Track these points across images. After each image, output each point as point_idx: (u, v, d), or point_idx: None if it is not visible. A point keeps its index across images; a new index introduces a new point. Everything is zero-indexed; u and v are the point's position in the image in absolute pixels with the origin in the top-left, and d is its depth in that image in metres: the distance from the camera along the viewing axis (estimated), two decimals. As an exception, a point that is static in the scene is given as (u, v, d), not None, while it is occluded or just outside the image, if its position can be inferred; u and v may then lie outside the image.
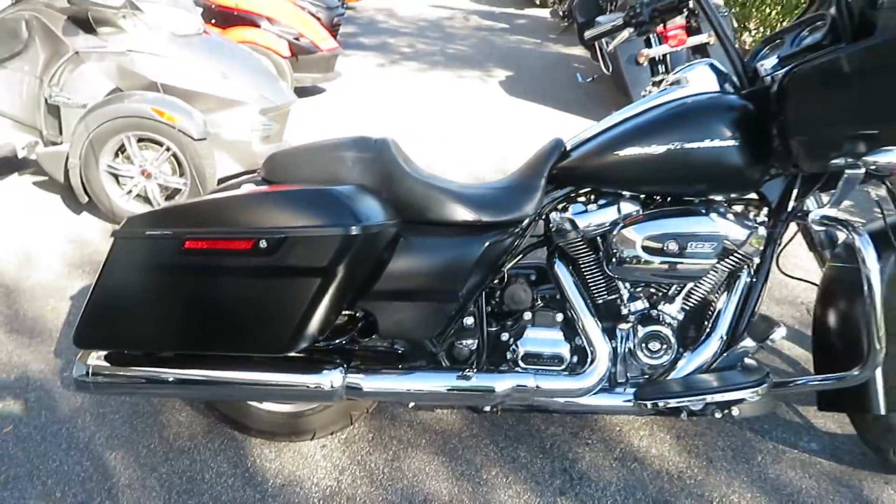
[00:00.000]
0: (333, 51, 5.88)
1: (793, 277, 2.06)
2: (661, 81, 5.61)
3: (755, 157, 1.71)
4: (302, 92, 5.88)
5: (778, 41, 1.90)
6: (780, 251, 1.92)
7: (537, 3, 12.90)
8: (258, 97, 3.83)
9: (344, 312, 1.86)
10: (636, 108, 1.84)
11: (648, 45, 5.27)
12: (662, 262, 1.74)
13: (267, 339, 1.66)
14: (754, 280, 1.84)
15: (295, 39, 5.54)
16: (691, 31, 5.46)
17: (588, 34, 2.17)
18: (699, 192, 1.80)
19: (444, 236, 1.80)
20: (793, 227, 1.94)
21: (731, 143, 1.68)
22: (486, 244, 1.78)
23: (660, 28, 5.48)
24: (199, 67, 3.67)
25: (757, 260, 1.82)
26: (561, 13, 10.71)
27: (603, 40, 5.69)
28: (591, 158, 1.81)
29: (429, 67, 7.46)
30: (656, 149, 1.72)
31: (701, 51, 5.68)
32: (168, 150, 3.37)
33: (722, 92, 1.80)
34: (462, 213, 1.78)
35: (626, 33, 2.14)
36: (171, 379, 1.78)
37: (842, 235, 1.96)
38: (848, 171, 1.65)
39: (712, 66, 1.87)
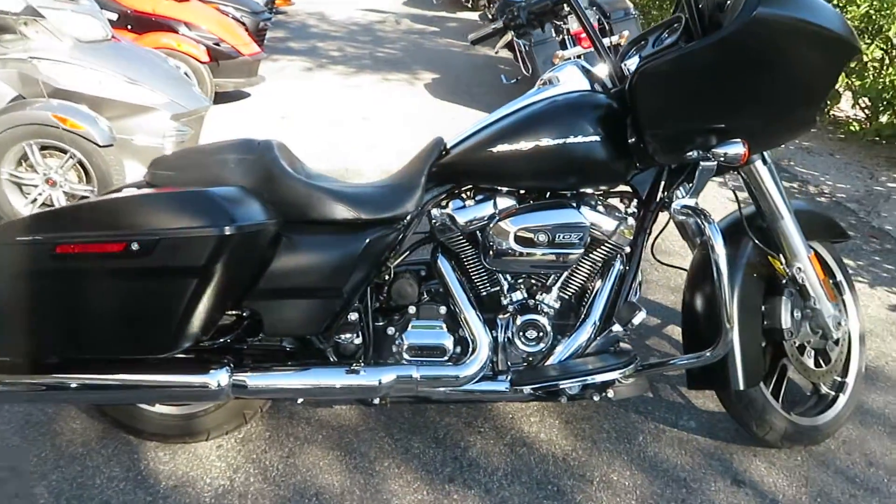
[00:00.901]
0: (255, 55, 5.86)
1: (664, 264, 2.18)
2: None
3: (619, 152, 1.81)
4: (225, 97, 5.85)
5: (642, 42, 2.01)
6: (654, 240, 2.04)
7: (468, 6, 13.06)
8: (169, 102, 3.80)
9: (231, 312, 1.89)
10: (511, 107, 1.93)
11: (564, 46, 5.47)
12: (534, 253, 1.83)
13: (148, 341, 1.68)
14: (626, 268, 1.94)
15: (215, 45, 5.50)
16: (602, 33, 5.67)
17: (471, 37, 2.25)
18: (569, 186, 1.89)
19: (325, 234, 1.84)
20: (666, 217, 2.06)
21: (595, 138, 1.78)
22: (368, 241, 1.84)
23: (575, 29, 5.62)
24: (106, 73, 3.63)
25: (628, 249, 1.93)
26: (490, 16, 10.88)
27: (520, 42, 5.83)
28: (468, 156, 1.89)
29: (356, 71, 7.49)
30: (525, 145, 1.81)
31: (613, 51, 5.87)
32: (73, 157, 3.33)
33: (590, 91, 1.90)
34: (342, 212, 1.83)
35: (508, 35, 2.22)
36: (56, 385, 1.77)
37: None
38: (702, 164, 1.77)
39: (581, 67, 1.97)
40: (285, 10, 11.16)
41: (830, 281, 2.08)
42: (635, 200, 1.96)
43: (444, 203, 1.95)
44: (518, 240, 1.82)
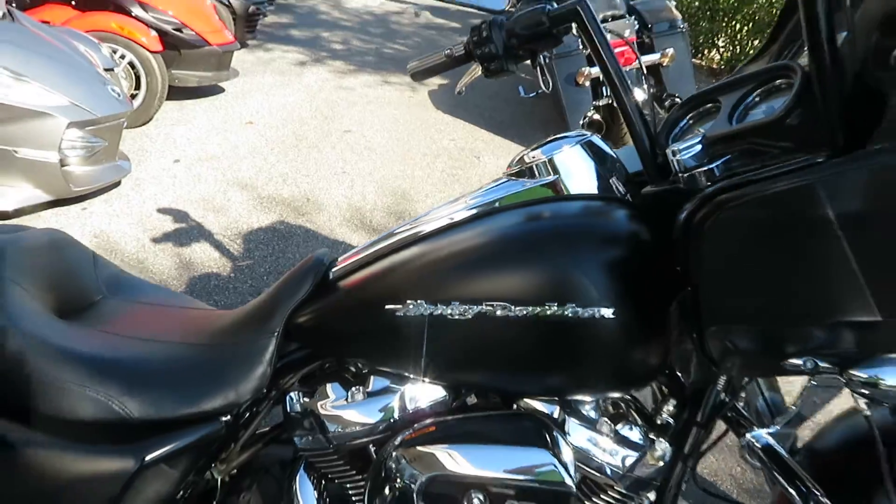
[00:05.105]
0: (226, 46, 4.95)
1: (725, 498, 1.26)
2: (606, 108, 4.72)
3: (650, 334, 0.90)
4: (187, 93, 4.97)
5: (710, 105, 1.06)
6: (698, 460, 1.11)
7: None
8: (68, 106, 2.94)
9: None
10: (450, 213, 1.03)
11: (592, 62, 4.48)
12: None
13: None
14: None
15: (175, 30, 4.60)
16: (642, 48, 4.61)
17: (411, 66, 1.32)
18: (546, 389, 0.98)
19: (63, 442, 0.97)
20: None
21: (601, 310, 0.86)
22: (145, 459, 0.96)
23: (612, 40, 4.57)
24: (-19, 65, 2.77)
25: (651, 495, 1.01)
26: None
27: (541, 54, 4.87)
28: (353, 310, 1.00)
29: (356, 69, 6.55)
30: (458, 309, 0.90)
31: (654, 72, 4.75)
32: None
33: (602, 198, 0.99)
34: (90, 404, 0.95)
35: (476, 70, 1.28)
36: None
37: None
38: (815, 379, 0.86)
39: (589, 148, 1.05)
40: (297, -7, 10.26)
41: None
42: (671, 401, 1.04)
43: (311, 382, 1.05)
44: (431, 491, 0.91)
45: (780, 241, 0.73)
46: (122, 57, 4.26)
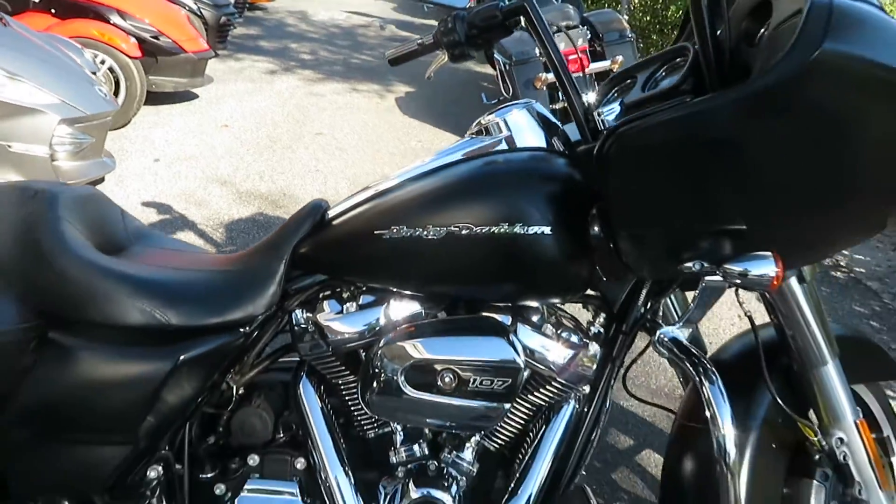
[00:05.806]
0: (201, 53, 5.17)
1: (642, 401, 1.53)
2: (561, 110, 5.06)
3: (580, 251, 1.16)
4: (163, 98, 5.16)
5: (629, 81, 1.35)
6: (626, 369, 1.38)
7: (462, 16, 12.41)
8: (59, 104, 3.13)
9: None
10: (424, 167, 1.28)
11: (548, 69, 4.81)
12: (435, 402, 1.16)
13: None
14: (586, 410, 1.29)
15: (153, 38, 4.81)
16: (594, 56, 4.96)
17: (388, 54, 1.58)
18: (501, 297, 1.23)
19: (112, 345, 1.19)
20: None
21: (543, 229, 1.12)
22: (181, 359, 1.18)
23: (565, 48, 4.93)
24: (-23, 64, 2.95)
25: (586, 388, 1.28)
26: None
27: (499, 59, 5.18)
28: (353, 235, 1.24)
29: (325, 77, 6.81)
30: (436, 230, 1.15)
31: (606, 78, 5.15)
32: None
33: (544, 151, 1.25)
34: (137, 313, 1.18)
35: (443, 57, 1.54)
36: None
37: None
38: (706, 279, 1.13)
39: (533, 111, 1.32)
40: (264, 6, 10.49)
41: (881, 452, 1.42)
42: (602, 314, 1.31)
43: (312, 302, 1.29)
44: (411, 377, 1.16)
45: (663, 162, 1.00)
46: (103, 62, 4.45)
